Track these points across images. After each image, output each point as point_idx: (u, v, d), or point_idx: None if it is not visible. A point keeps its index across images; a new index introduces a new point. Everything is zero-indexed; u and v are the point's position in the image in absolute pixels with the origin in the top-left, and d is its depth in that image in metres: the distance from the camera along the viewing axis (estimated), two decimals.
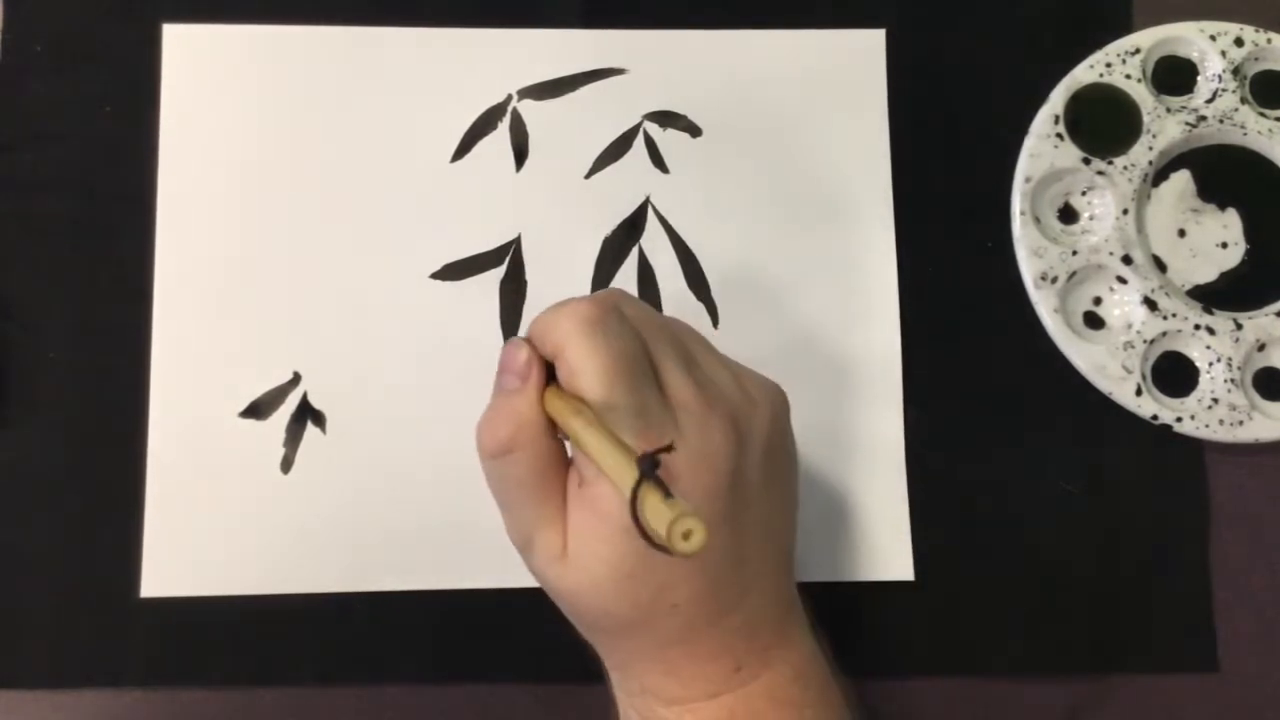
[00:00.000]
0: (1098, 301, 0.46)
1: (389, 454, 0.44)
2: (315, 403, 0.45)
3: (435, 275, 0.46)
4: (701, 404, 0.33)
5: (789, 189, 0.47)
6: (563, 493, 0.33)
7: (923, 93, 0.48)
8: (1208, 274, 0.47)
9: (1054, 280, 0.46)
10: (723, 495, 0.33)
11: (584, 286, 0.46)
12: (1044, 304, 0.46)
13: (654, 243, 0.46)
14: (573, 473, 0.34)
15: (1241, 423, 0.45)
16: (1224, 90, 0.47)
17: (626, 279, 0.46)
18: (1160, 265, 0.47)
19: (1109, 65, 0.47)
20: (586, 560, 0.32)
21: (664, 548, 0.25)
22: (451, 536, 0.44)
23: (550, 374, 0.34)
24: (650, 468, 0.27)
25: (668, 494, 0.26)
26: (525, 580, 0.43)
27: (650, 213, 0.47)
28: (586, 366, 0.32)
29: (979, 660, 0.44)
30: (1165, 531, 0.45)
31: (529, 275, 0.46)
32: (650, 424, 0.32)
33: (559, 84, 0.47)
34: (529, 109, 0.47)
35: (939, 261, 0.47)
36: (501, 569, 0.43)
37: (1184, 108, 0.47)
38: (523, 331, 0.41)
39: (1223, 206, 0.47)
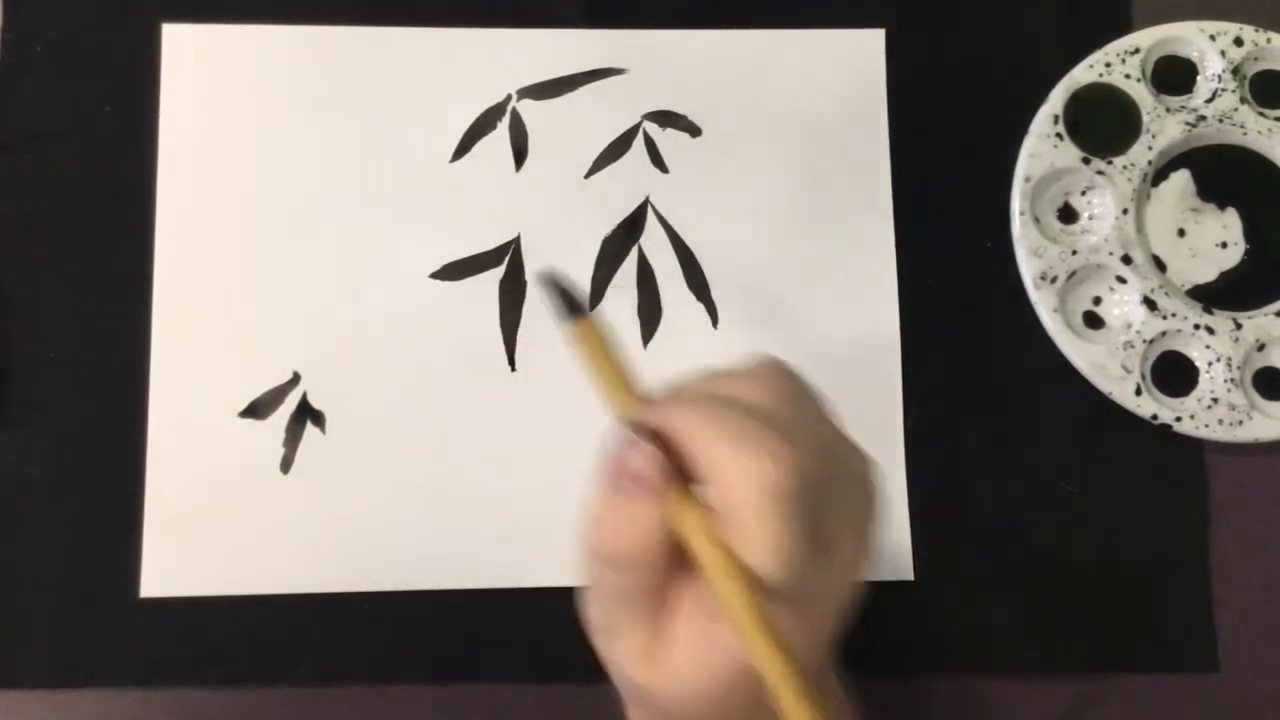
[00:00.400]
0: (1097, 301, 0.46)
1: (389, 454, 0.44)
2: (315, 403, 0.45)
3: (435, 275, 0.46)
4: (855, 576, 0.30)
5: (789, 189, 0.47)
6: (665, 598, 0.29)
7: (923, 93, 0.48)
8: (1207, 274, 0.47)
9: (1054, 280, 0.46)
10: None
11: (584, 286, 0.46)
12: (1044, 304, 0.46)
13: (654, 242, 0.46)
14: (692, 589, 0.29)
15: (1241, 422, 0.45)
16: (1224, 90, 0.47)
17: (626, 279, 0.46)
18: (1160, 265, 0.47)
19: (1109, 65, 0.47)
20: (687, 675, 0.29)
21: None
22: (452, 536, 0.44)
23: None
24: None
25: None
26: (525, 580, 0.43)
27: (650, 212, 0.47)
28: (769, 545, 0.27)
29: (979, 660, 0.44)
30: (1165, 531, 0.45)
31: (529, 275, 0.46)
32: (806, 612, 0.29)
33: (559, 84, 0.47)
34: (529, 109, 0.47)
35: (939, 261, 0.47)
36: (502, 569, 0.43)
37: (1184, 107, 0.47)
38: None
39: (1222, 206, 0.47)
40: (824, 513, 0.28)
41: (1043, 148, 0.47)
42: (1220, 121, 0.47)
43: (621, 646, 0.30)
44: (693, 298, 0.46)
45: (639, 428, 0.28)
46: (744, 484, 0.27)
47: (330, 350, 0.45)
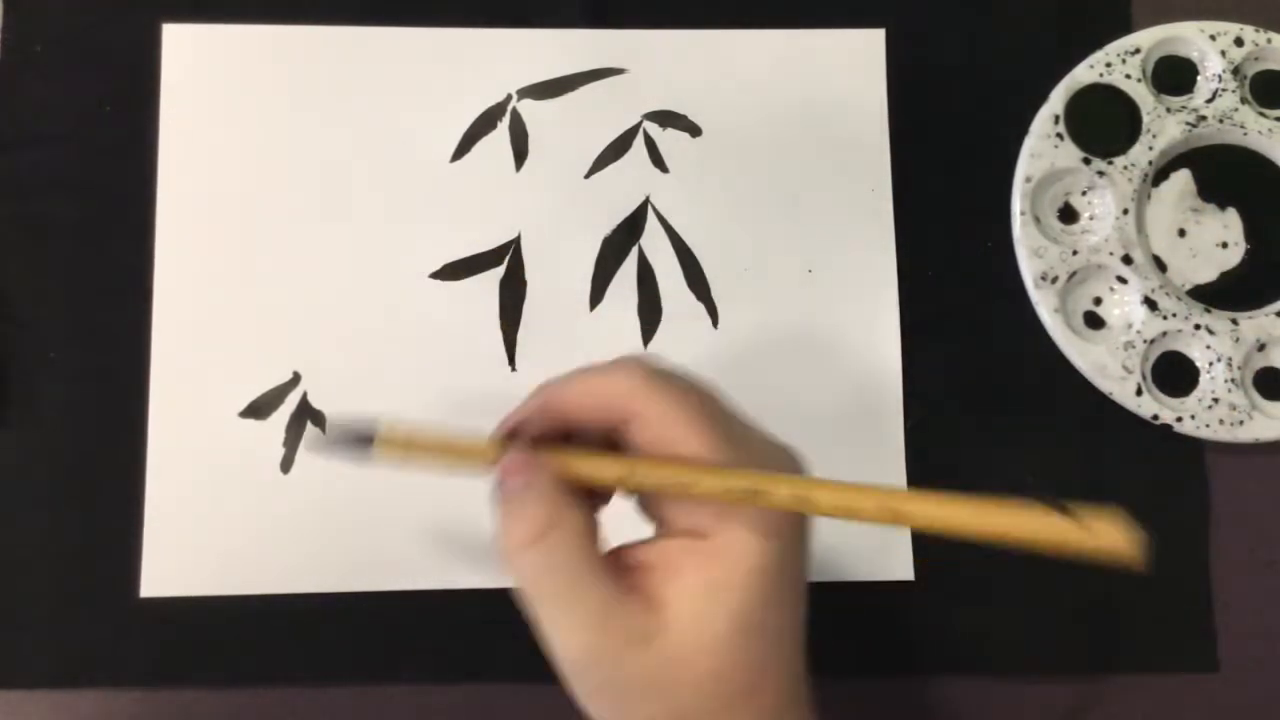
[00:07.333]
0: (1098, 301, 0.46)
1: None
2: (315, 403, 0.45)
3: (435, 275, 0.46)
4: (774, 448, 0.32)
5: (789, 189, 0.47)
6: (619, 569, 0.30)
7: (923, 93, 0.48)
8: (1208, 274, 0.47)
9: (1054, 280, 0.46)
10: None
11: (584, 286, 0.46)
12: (1044, 304, 0.46)
13: (654, 242, 0.46)
14: (664, 542, 0.31)
15: (1241, 422, 0.45)
16: (1224, 90, 0.47)
17: (626, 279, 0.46)
18: (1160, 265, 0.47)
19: (1109, 65, 0.47)
20: (704, 622, 0.29)
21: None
22: (451, 536, 0.44)
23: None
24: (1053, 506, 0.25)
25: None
26: None
27: (650, 212, 0.47)
28: (680, 417, 0.30)
29: (979, 660, 0.44)
30: (1165, 532, 0.45)
31: (528, 275, 0.46)
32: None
33: (559, 84, 0.47)
34: (529, 109, 0.47)
35: (939, 261, 0.47)
36: (501, 569, 0.43)
37: (1184, 108, 0.47)
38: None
39: (1223, 206, 0.47)
40: (722, 419, 0.31)
41: (1043, 148, 0.47)
42: (1220, 121, 0.47)
43: (615, 641, 0.29)
44: (693, 298, 0.46)
45: (502, 443, 0.32)
46: (628, 384, 0.31)
47: (330, 350, 0.45)
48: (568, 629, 0.30)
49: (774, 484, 0.28)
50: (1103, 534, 0.24)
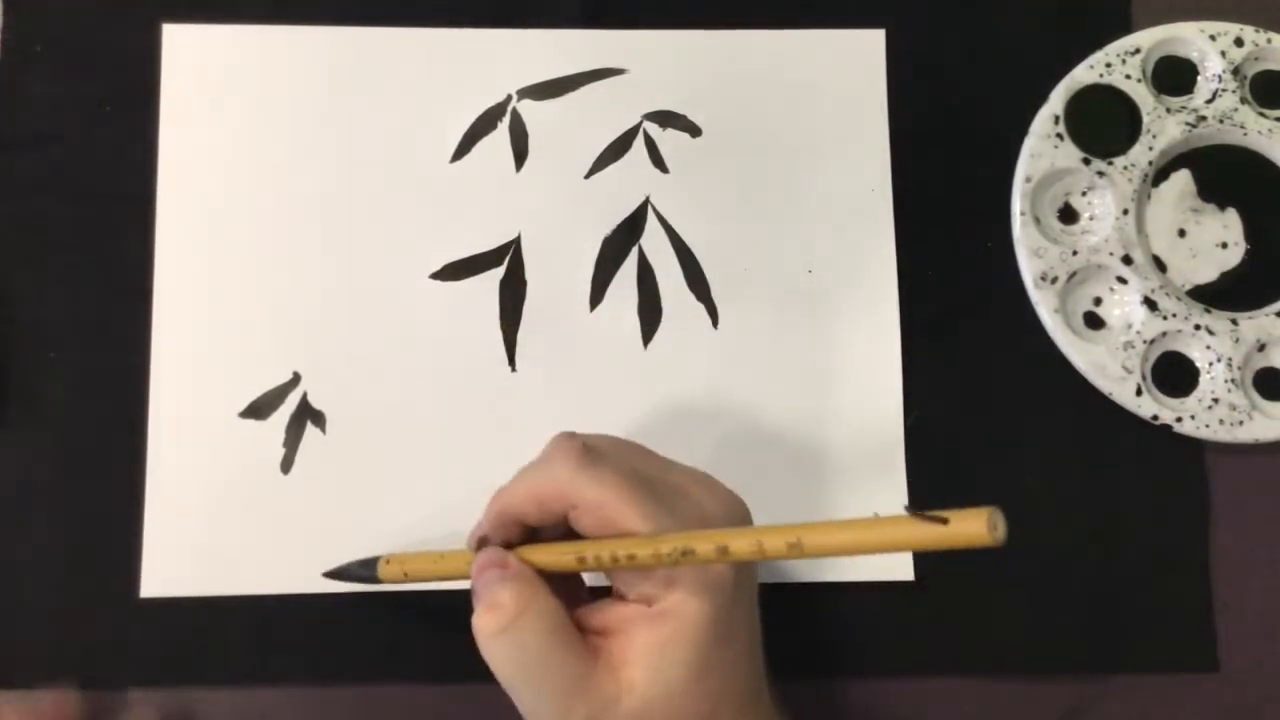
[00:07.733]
0: (1098, 301, 0.46)
1: (389, 454, 0.44)
2: (315, 403, 0.45)
3: (435, 275, 0.46)
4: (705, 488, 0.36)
5: (789, 189, 0.47)
6: (584, 641, 0.34)
7: (923, 93, 0.48)
8: (1208, 274, 0.47)
9: (1054, 280, 0.46)
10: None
11: (584, 287, 0.46)
12: (1044, 304, 0.46)
13: (654, 243, 0.46)
14: (621, 608, 0.34)
15: (1241, 423, 0.45)
16: (1224, 90, 0.47)
17: (626, 279, 0.46)
18: (1160, 265, 0.47)
19: (1109, 65, 0.47)
20: (661, 674, 0.33)
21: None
22: (451, 536, 0.43)
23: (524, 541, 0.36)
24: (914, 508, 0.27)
25: (937, 517, 0.26)
26: None
27: (650, 213, 0.47)
28: (612, 497, 0.33)
29: (979, 660, 0.44)
30: (1165, 532, 0.45)
31: (528, 275, 0.46)
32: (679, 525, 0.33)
33: (559, 84, 0.47)
34: (529, 109, 0.47)
35: (939, 261, 0.47)
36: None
37: (1184, 108, 0.47)
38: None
39: (1223, 206, 0.47)
40: (653, 488, 0.34)
41: (1043, 148, 0.47)
42: (1220, 122, 0.47)
43: (589, 706, 0.32)
44: (693, 298, 0.46)
45: (480, 547, 0.36)
46: (562, 474, 0.34)
47: (330, 350, 0.45)
48: (543, 705, 0.33)
49: (698, 541, 0.31)
50: (962, 530, 0.26)
